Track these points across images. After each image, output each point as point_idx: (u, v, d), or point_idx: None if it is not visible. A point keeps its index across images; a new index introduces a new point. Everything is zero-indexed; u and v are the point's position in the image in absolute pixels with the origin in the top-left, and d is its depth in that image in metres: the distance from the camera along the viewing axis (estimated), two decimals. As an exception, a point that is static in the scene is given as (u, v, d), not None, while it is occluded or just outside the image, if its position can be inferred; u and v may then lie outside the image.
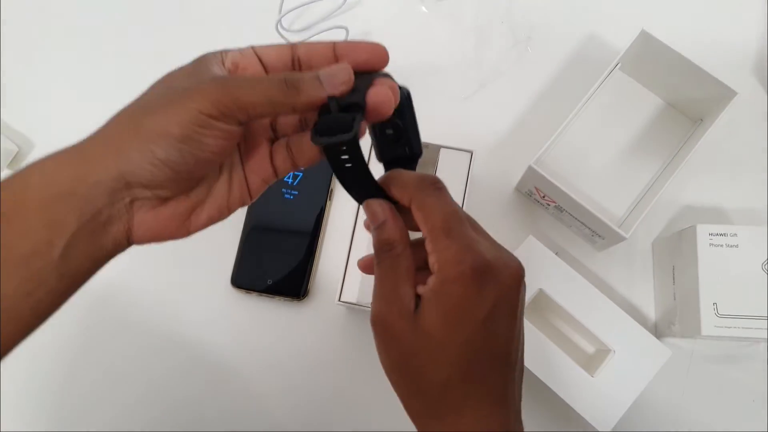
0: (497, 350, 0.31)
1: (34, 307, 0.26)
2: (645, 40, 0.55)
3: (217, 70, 0.30)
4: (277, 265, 0.58)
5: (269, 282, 0.57)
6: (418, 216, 0.32)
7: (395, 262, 0.32)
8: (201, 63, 0.30)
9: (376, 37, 0.64)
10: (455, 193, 0.53)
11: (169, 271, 0.59)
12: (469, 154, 0.54)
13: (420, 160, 0.38)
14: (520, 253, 0.52)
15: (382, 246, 0.32)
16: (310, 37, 0.61)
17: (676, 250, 0.54)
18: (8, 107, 0.65)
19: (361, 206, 0.34)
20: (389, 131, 0.34)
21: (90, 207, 0.27)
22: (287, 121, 0.34)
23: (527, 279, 0.52)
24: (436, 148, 0.54)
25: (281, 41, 0.60)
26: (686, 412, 0.54)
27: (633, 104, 0.62)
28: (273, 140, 0.34)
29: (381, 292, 0.32)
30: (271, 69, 0.32)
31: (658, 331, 0.56)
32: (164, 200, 0.29)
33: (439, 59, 0.64)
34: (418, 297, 0.31)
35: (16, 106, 0.65)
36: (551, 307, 0.55)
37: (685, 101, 0.60)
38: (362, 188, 0.33)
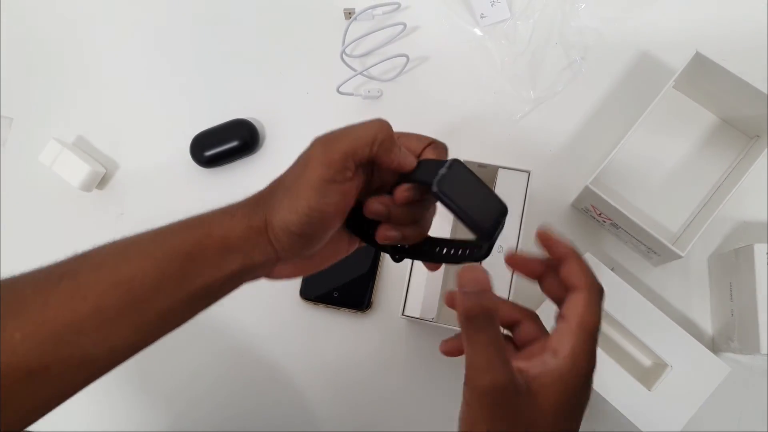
0: None
1: (187, 319, 0.36)
2: (699, 61, 0.56)
3: None
4: (342, 278, 0.61)
5: (335, 294, 0.61)
6: (576, 271, 0.33)
7: (497, 332, 0.32)
8: None
9: (434, 61, 0.68)
10: (514, 211, 0.55)
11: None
12: (526, 174, 0.56)
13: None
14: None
15: (485, 313, 0.31)
16: (374, 65, 0.64)
17: (733, 267, 0.55)
18: (95, 132, 0.71)
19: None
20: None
21: (248, 260, 0.35)
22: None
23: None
24: (494, 169, 0.57)
25: (345, 68, 0.63)
26: (746, 427, 0.55)
27: (687, 121, 0.63)
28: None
29: (490, 363, 0.31)
30: None
31: (715, 346, 0.57)
32: (294, 257, 0.36)
33: (494, 80, 0.66)
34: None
35: (102, 130, 0.71)
36: (608, 321, 0.56)
37: (741, 118, 0.60)
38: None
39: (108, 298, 0.33)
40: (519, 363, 0.32)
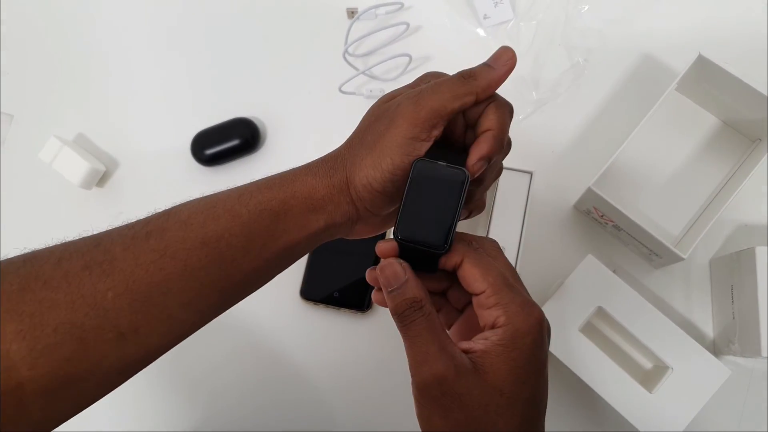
0: (545, 397, 0.32)
1: (267, 281, 0.36)
2: (702, 63, 0.56)
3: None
4: (343, 279, 0.61)
5: (336, 295, 0.61)
6: (472, 273, 0.32)
7: (430, 320, 0.31)
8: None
9: (435, 61, 0.67)
10: (516, 213, 0.55)
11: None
12: (528, 175, 0.56)
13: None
14: (580, 272, 0.54)
15: (411, 305, 0.31)
16: (377, 64, 0.64)
17: (734, 270, 0.55)
18: (95, 129, 0.70)
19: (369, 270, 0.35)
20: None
21: (331, 219, 0.35)
22: None
23: (587, 297, 0.55)
24: (497, 169, 0.57)
25: (348, 68, 0.63)
26: (746, 429, 0.55)
27: (689, 123, 0.63)
28: None
29: (427, 355, 0.30)
30: None
31: (716, 348, 0.57)
32: (375, 216, 0.36)
33: (497, 81, 0.66)
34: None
35: (103, 127, 0.71)
36: (609, 324, 0.56)
37: (743, 121, 0.60)
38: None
39: (196, 257, 0.32)
40: (463, 344, 0.31)
